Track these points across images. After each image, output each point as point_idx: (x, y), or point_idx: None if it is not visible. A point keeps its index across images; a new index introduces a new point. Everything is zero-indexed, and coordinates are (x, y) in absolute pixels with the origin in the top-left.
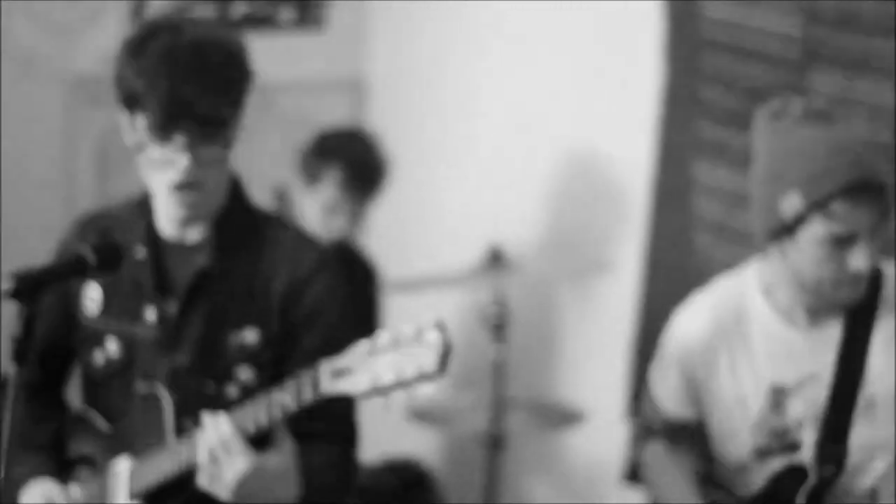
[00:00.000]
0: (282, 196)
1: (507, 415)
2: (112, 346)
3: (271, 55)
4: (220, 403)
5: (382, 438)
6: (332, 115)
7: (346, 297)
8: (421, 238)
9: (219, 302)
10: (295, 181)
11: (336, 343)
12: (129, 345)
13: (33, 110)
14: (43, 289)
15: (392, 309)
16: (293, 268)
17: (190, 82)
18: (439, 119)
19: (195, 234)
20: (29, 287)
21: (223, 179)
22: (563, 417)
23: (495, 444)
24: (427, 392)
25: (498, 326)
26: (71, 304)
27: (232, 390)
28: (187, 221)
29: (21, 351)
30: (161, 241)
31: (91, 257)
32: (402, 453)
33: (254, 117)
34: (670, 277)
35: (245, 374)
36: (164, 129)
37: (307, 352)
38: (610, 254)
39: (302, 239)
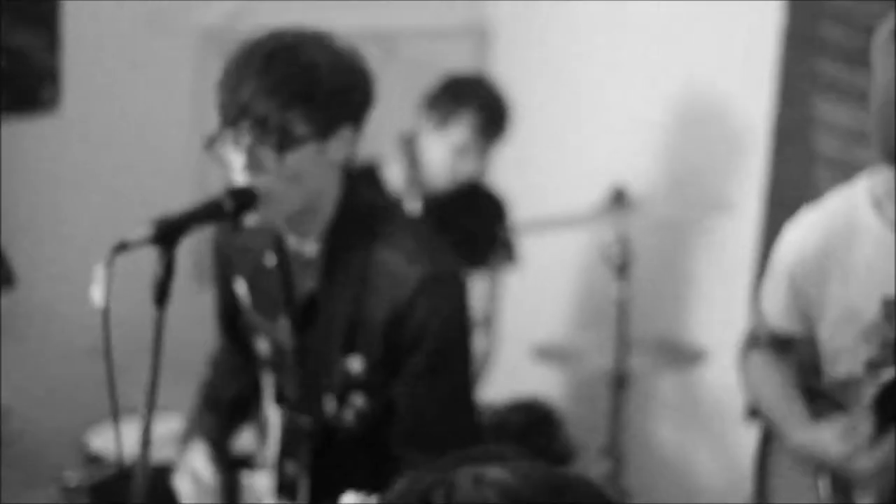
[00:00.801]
0: (407, 143)
1: (630, 354)
2: (263, 344)
3: (396, 3)
4: (339, 429)
5: (509, 377)
6: (456, 61)
7: (453, 313)
8: (545, 180)
9: (327, 327)
10: (421, 124)
11: (441, 364)
12: (277, 346)
13: (164, 63)
14: (181, 234)
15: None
16: (394, 294)
17: (251, 82)
18: (561, 63)
19: (310, 247)
20: (168, 233)
21: (297, 191)
22: (685, 356)
23: (619, 382)
24: None
25: (621, 266)
26: (230, 286)
27: (348, 415)
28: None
29: (161, 293)
30: (287, 249)
31: (227, 203)
32: (528, 392)
33: (378, 64)
34: (791, 215)
35: (358, 400)
36: (225, 125)
37: (411, 375)
38: (731, 193)
39: (407, 258)
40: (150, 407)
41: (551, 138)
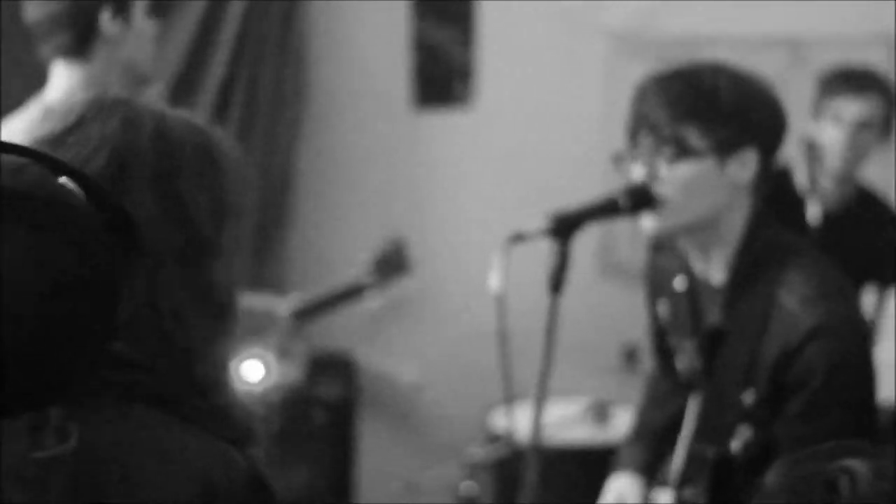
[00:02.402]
0: (810, 147)
1: None
2: (682, 365)
3: (806, 9)
4: (724, 458)
5: None
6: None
7: (841, 361)
8: None
9: (730, 361)
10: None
11: (819, 408)
12: (691, 365)
13: (574, 63)
14: (576, 228)
15: None
16: (786, 337)
17: (653, 98)
18: None
19: (716, 276)
20: (564, 226)
21: (692, 204)
22: None
23: None
24: None
25: None
26: (655, 307)
27: (735, 445)
28: (655, 241)
29: (557, 283)
30: (694, 275)
31: (624, 200)
32: None
33: (785, 70)
34: None
35: (746, 432)
36: (628, 140)
37: (791, 416)
38: None
39: (803, 304)
40: (542, 390)
41: None
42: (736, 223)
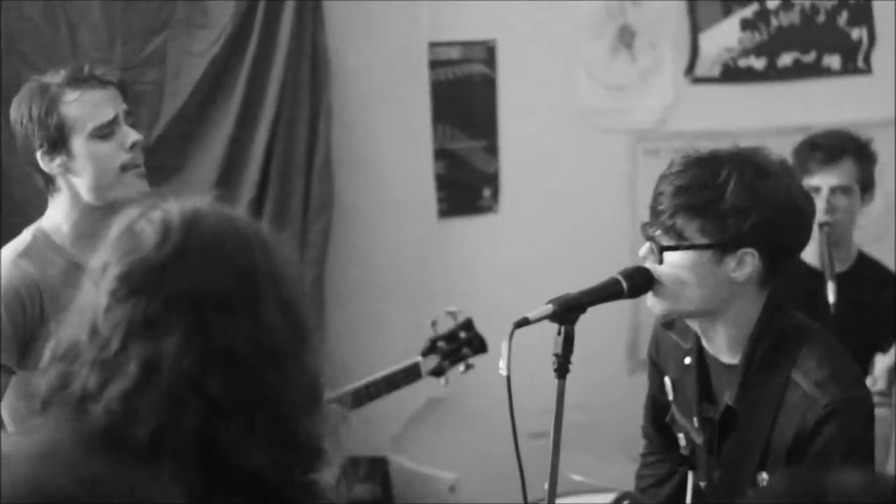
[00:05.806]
0: (821, 226)
1: None
2: (682, 440)
3: (818, 100)
4: None
5: None
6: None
7: (856, 441)
8: None
9: (744, 441)
10: None
11: None
12: (691, 443)
13: (598, 162)
14: (579, 312)
15: None
16: (802, 419)
17: (667, 182)
18: None
19: (727, 356)
20: (568, 310)
21: (689, 292)
22: None
23: None
24: None
25: None
26: (661, 380)
27: None
28: (663, 318)
29: (562, 368)
30: (705, 352)
31: (623, 283)
32: None
33: None
34: None
35: None
36: (649, 216)
37: None
38: None
39: (820, 385)
40: (553, 476)
41: None
42: (745, 313)
